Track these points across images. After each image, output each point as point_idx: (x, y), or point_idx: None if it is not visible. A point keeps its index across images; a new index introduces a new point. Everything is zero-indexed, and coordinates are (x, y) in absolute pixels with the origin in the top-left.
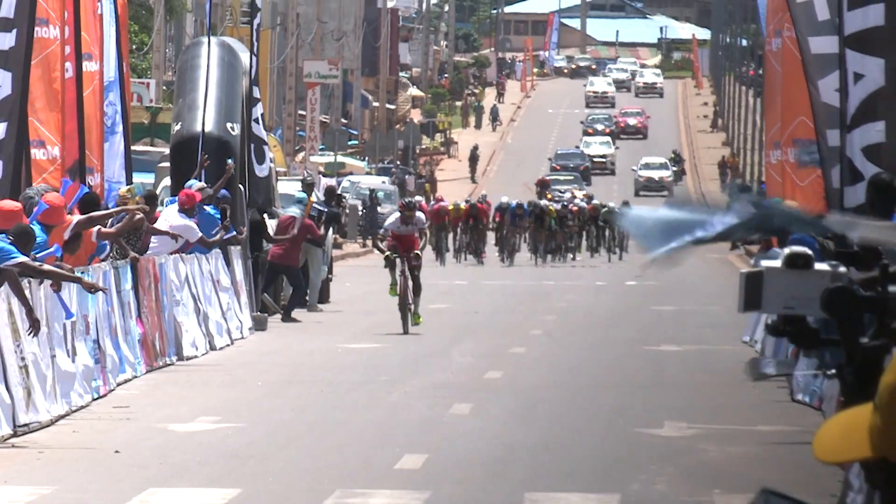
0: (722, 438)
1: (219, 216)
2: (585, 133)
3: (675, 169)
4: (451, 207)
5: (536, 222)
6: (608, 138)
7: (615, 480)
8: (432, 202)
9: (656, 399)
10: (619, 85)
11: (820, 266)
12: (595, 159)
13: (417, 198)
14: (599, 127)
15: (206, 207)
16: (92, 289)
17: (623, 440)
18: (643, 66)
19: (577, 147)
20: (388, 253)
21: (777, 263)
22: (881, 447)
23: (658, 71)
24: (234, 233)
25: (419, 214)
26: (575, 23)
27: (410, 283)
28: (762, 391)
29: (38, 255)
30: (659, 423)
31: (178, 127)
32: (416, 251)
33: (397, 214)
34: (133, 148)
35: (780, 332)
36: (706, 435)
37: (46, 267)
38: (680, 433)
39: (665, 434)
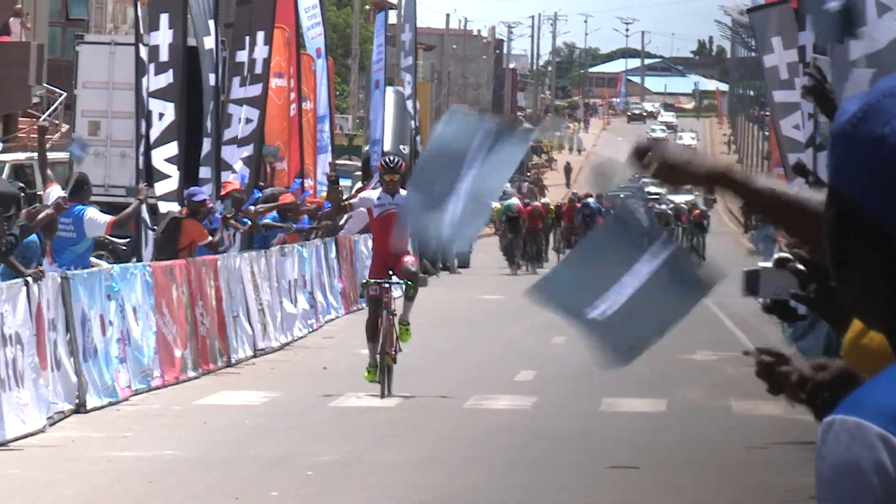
0: (737, 361)
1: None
2: None
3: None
4: (549, 205)
5: None
6: None
7: (663, 390)
8: (527, 201)
9: (691, 334)
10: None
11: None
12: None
13: (513, 202)
14: None
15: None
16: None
17: (668, 362)
18: (682, 109)
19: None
20: (366, 279)
21: (769, 264)
22: None
23: (694, 134)
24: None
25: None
26: (637, 79)
27: (396, 318)
28: (771, 333)
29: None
30: (693, 350)
31: (366, 148)
32: (408, 268)
33: (373, 192)
34: (337, 162)
35: (771, 311)
36: (726, 359)
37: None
38: (707, 358)
39: (697, 358)
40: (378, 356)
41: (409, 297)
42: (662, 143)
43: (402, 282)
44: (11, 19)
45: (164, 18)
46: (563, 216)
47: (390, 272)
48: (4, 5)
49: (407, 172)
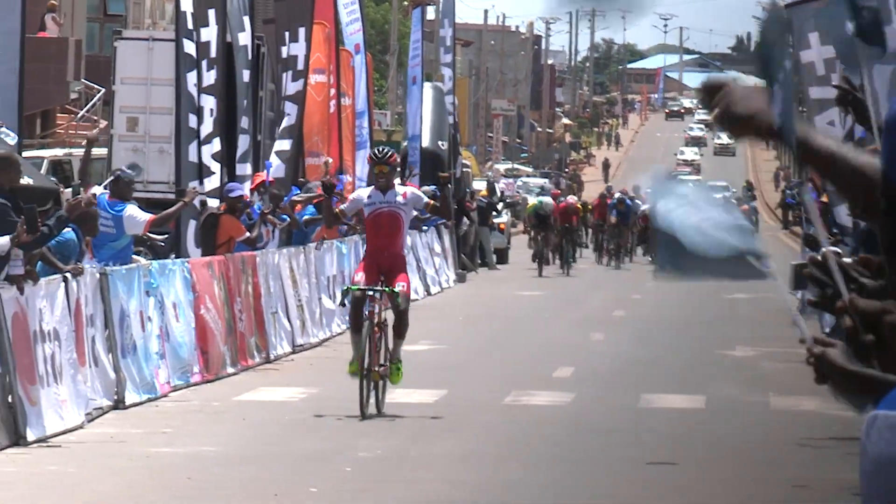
0: (774, 357)
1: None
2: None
3: (750, 196)
4: (578, 203)
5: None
6: (697, 147)
7: (701, 386)
8: (561, 199)
9: (730, 331)
10: (697, 141)
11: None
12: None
13: (546, 200)
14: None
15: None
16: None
17: (707, 358)
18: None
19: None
20: (347, 285)
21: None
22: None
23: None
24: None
25: (410, 188)
26: (675, 75)
27: (388, 329)
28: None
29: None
30: (732, 346)
31: (405, 143)
32: (398, 302)
33: (363, 191)
34: None
35: (817, 305)
36: (764, 355)
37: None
38: (746, 354)
39: (736, 354)
40: (365, 368)
41: (399, 334)
42: (732, 88)
43: (393, 291)
44: (46, 15)
45: (211, 14)
46: (594, 212)
47: (381, 279)
48: (40, 0)
49: (433, 166)
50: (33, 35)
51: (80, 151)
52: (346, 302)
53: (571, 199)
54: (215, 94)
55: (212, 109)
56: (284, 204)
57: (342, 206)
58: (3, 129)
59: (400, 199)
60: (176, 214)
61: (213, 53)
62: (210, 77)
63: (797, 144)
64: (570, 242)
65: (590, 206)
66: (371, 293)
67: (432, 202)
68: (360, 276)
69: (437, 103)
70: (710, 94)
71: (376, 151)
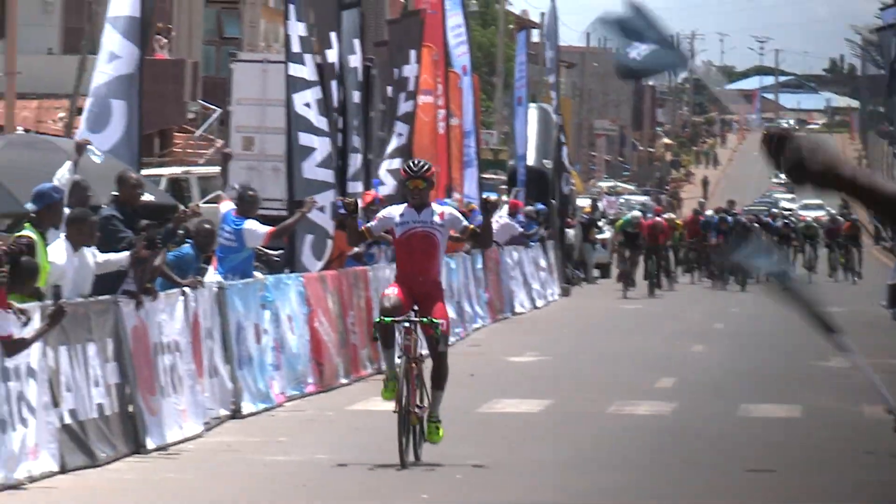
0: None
1: (534, 225)
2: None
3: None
4: (675, 220)
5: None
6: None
7: (798, 395)
8: (649, 216)
9: (824, 342)
10: None
11: None
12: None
13: (638, 214)
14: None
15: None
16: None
17: (802, 369)
18: (810, 124)
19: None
20: (379, 318)
21: None
22: None
23: None
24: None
25: (448, 206)
26: (771, 96)
27: (427, 368)
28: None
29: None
30: (826, 357)
31: (511, 162)
32: (436, 336)
33: (395, 208)
34: (483, 175)
35: None
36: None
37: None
38: (840, 364)
39: (830, 365)
40: (401, 410)
41: (438, 385)
42: (801, 141)
43: (433, 321)
44: (155, 37)
45: (333, 36)
46: (686, 229)
47: (414, 308)
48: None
49: (552, 195)
50: (150, 57)
51: (197, 169)
52: (377, 336)
53: (667, 215)
54: (338, 113)
55: (340, 129)
56: None
57: (369, 225)
58: (91, 148)
59: (437, 218)
60: (295, 225)
61: (336, 73)
62: (339, 97)
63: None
64: (656, 263)
65: (681, 224)
66: (406, 325)
67: (472, 227)
68: (392, 290)
69: (542, 123)
70: (776, 144)
71: (411, 164)
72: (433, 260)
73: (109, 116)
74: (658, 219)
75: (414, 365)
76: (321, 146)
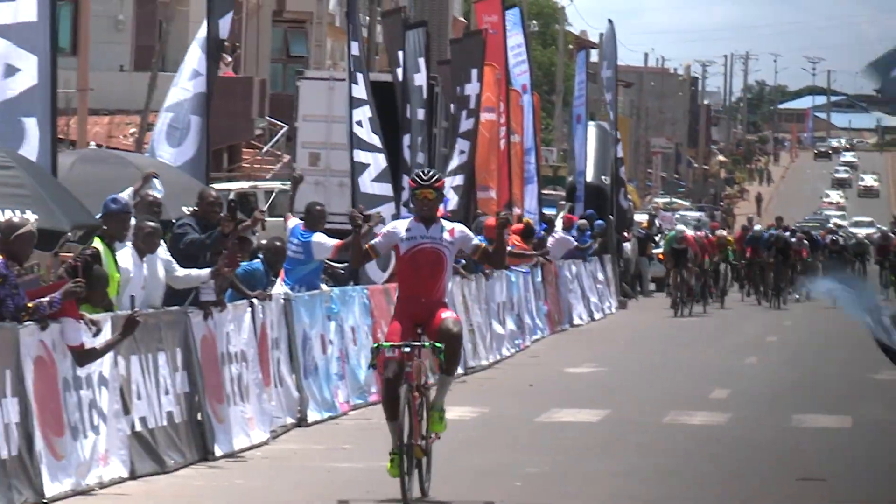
0: None
1: (587, 238)
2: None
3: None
4: (727, 237)
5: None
6: (842, 190)
7: (849, 407)
8: (706, 232)
9: (875, 355)
10: (842, 183)
11: None
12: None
13: (682, 229)
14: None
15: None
16: None
17: (853, 381)
18: (860, 143)
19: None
20: (375, 344)
21: None
22: None
23: (876, 176)
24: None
25: (459, 226)
26: (823, 115)
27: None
28: None
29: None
30: (876, 370)
31: (570, 178)
32: (448, 326)
33: (400, 223)
34: (543, 191)
35: None
36: None
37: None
38: (890, 377)
39: (881, 378)
40: (404, 444)
41: (447, 370)
42: None
43: (435, 346)
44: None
45: (400, 56)
46: (736, 245)
47: (419, 331)
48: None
49: (610, 211)
50: (220, 75)
51: (265, 184)
52: (374, 364)
53: (719, 232)
54: (404, 130)
55: (408, 146)
56: None
57: (373, 242)
58: (154, 182)
59: (447, 235)
60: (361, 239)
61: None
62: (407, 113)
63: None
64: (702, 281)
65: (731, 240)
66: (408, 350)
67: (484, 246)
68: (391, 353)
69: (600, 140)
70: None
71: (420, 174)
72: (439, 281)
73: (188, 132)
74: (699, 233)
75: (417, 394)
76: (374, 161)
